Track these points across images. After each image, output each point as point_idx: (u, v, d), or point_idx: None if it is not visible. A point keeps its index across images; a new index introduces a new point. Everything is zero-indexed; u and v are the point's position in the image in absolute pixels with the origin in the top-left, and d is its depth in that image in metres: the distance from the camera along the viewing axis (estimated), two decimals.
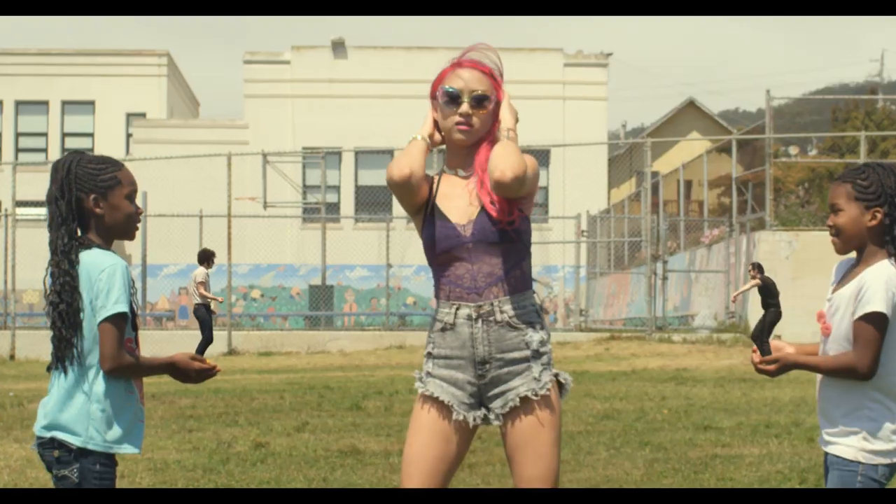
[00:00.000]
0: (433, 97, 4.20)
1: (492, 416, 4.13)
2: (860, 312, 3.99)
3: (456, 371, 4.12)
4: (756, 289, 20.20)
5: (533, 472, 4.07)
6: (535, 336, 4.11)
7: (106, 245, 4.01)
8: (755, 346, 4.23)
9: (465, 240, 4.09)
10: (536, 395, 4.07)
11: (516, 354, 4.10)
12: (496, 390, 4.11)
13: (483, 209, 4.09)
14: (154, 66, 41.37)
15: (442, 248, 4.10)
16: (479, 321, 4.08)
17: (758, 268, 20.15)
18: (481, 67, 4.16)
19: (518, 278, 4.12)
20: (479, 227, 4.08)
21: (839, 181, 4.15)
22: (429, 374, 4.17)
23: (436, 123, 4.24)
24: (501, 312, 4.08)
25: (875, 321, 3.97)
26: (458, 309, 4.10)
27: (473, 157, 4.18)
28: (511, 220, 4.08)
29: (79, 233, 3.98)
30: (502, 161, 3.97)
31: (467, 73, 4.14)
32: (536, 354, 4.11)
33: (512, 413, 4.09)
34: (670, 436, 10.09)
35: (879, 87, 58.42)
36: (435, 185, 4.20)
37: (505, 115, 4.18)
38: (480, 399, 4.14)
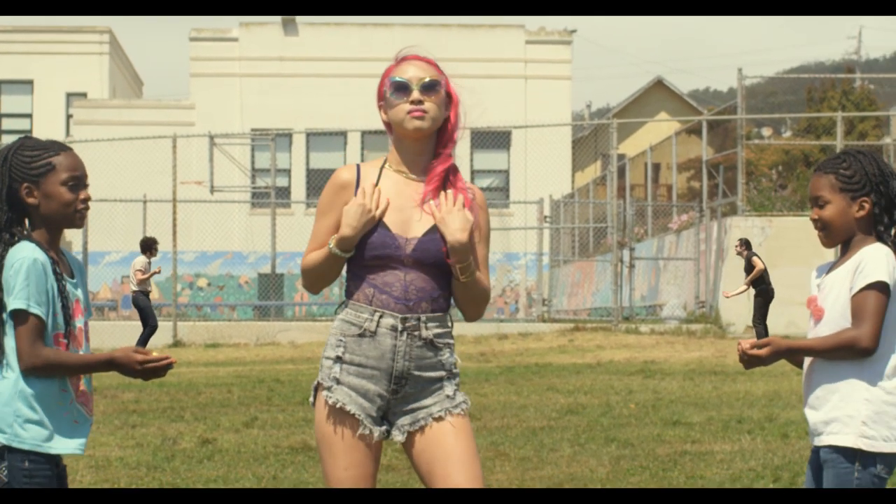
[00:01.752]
0: (381, 99, 4.17)
1: (395, 432, 4.09)
2: (861, 284, 3.91)
3: (368, 381, 4.05)
4: (744, 269, 19.47)
5: (460, 479, 4.01)
6: (450, 359, 4.12)
7: (50, 235, 3.96)
8: (740, 342, 4.07)
9: (403, 254, 4.05)
10: (451, 414, 4.07)
11: (432, 374, 4.09)
12: (407, 407, 4.09)
13: (434, 228, 4.05)
14: (95, 44, 41.00)
15: (373, 255, 4.04)
16: (405, 334, 4.04)
17: (745, 244, 19.48)
18: (426, 59, 4.18)
19: (445, 298, 4.13)
20: (423, 247, 4.05)
21: (820, 172, 4.08)
22: (336, 380, 4.05)
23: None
24: (427, 329, 4.06)
25: (878, 289, 3.89)
26: (381, 317, 4.03)
27: (426, 159, 4.14)
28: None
29: (26, 224, 3.98)
30: (475, 309, 4.19)
31: (412, 65, 4.15)
32: (451, 375, 4.12)
33: (423, 429, 4.07)
34: (637, 431, 10.12)
35: (857, 65, 60.14)
36: (377, 182, 4.11)
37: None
38: (385, 413, 4.10)
